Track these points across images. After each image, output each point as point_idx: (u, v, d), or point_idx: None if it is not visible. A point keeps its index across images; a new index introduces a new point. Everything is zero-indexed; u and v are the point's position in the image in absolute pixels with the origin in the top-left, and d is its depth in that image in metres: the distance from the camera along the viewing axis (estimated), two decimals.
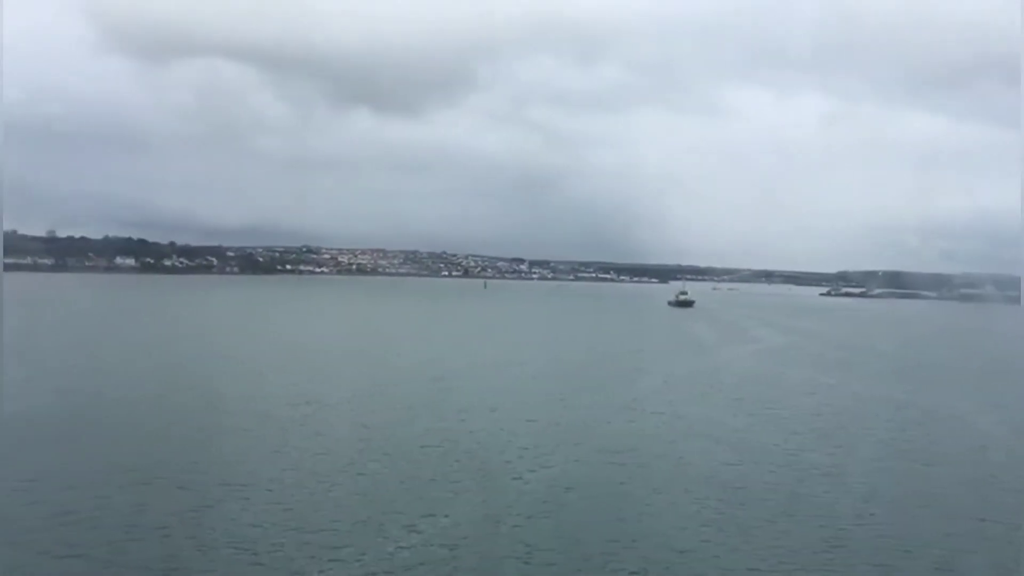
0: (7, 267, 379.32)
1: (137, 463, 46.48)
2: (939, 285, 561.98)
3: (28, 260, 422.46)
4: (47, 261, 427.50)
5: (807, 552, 36.36)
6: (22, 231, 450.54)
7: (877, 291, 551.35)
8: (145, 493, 41.29)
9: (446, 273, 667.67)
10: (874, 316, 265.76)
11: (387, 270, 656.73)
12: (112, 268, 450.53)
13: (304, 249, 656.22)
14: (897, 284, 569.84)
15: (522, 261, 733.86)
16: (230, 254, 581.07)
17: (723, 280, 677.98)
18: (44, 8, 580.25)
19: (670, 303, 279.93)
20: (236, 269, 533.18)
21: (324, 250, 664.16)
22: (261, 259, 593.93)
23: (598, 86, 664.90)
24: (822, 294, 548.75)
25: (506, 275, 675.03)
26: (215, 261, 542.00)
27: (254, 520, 38.03)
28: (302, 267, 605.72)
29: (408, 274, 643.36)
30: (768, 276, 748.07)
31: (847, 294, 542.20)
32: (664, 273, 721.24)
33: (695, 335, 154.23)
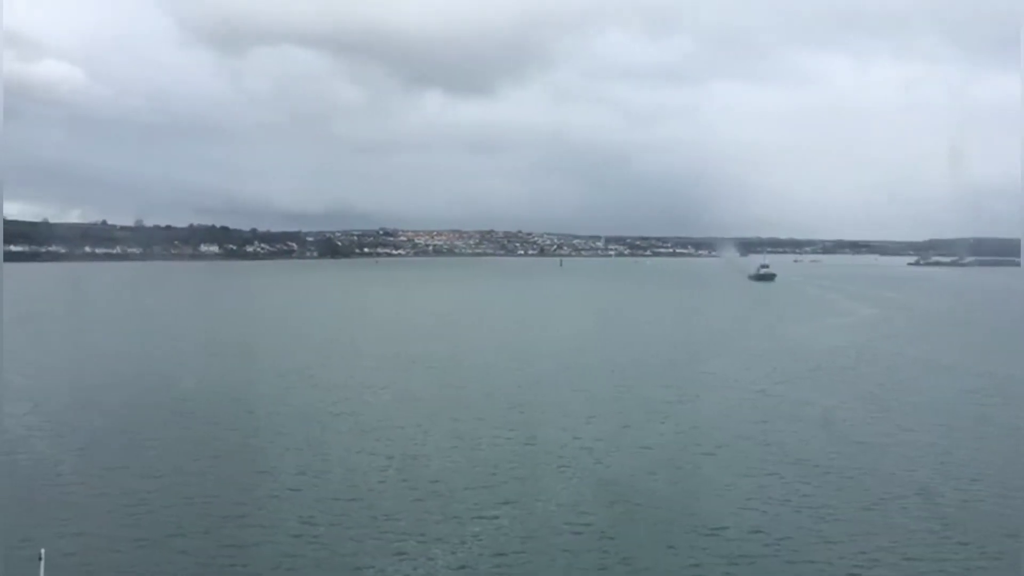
0: (97, 256, 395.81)
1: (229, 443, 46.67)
2: None
3: (117, 249, 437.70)
4: (135, 250, 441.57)
5: (910, 542, 34.01)
6: (111, 221, 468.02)
7: (969, 259, 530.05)
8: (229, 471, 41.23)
9: (522, 252, 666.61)
10: (966, 285, 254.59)
11: (463, 251, 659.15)
12: (197, 255, 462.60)
13: (381, 232, 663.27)
14: (989, 251, 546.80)
15: (598, 238, 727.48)
16: (309, 239, 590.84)
17: (805, 252, 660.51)
18: (122, 5, 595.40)
19: (750, 277, 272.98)
20: (315, 253, 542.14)
21: (401, 232, 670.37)
22: (339, 243, 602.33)
23: (671, 58, 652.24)
24: (910, 264, 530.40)
25: (582, 252, 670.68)
26: (295, 246, 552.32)
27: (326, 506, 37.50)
28: (380, 250, 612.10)
29: (484, 254, 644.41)
30: (852, 246, 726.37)
31: (936, 263, 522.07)
32: (743, 246, 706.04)
33: (779, 309, 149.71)
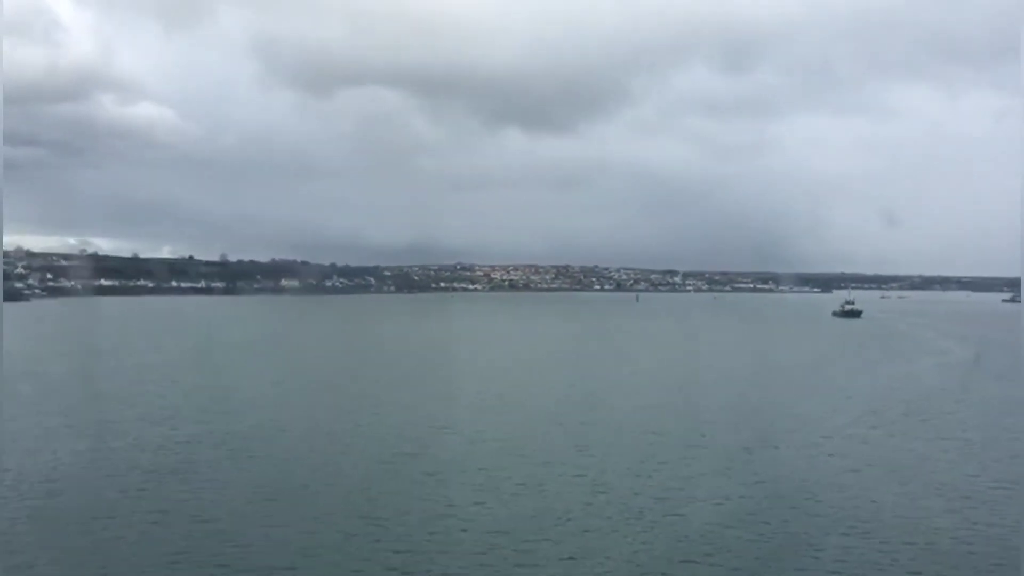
0: (183, 290, 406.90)
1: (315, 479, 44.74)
2: None
3: (202, 284, 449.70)
4: (219, 284, 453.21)
5: None
6: (198, 256, 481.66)
7: None
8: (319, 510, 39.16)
9: (598, 287, 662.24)
10: None
11: (539, 285, 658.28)
12: (278, 289, 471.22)
13: (458, 267, 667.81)
14: None
15: (675, 272, 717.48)
16: (387, 273, 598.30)
17: (891, 288, 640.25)
18: (211, 48, 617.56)
19: (835, 313, 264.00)
20: (392, 288, 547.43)
21: (477, 267, 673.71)
22: (416, 277, 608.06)
23: (754, 91, 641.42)
24: (1004, 300, 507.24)
25: (659, 287, 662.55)
26: (372, 280, 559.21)
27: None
28: (456, 284, 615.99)
29: (560, 288, 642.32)
30: (942, 282, 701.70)
31: None
32: (827, 282, 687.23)
33: (867, 348, 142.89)
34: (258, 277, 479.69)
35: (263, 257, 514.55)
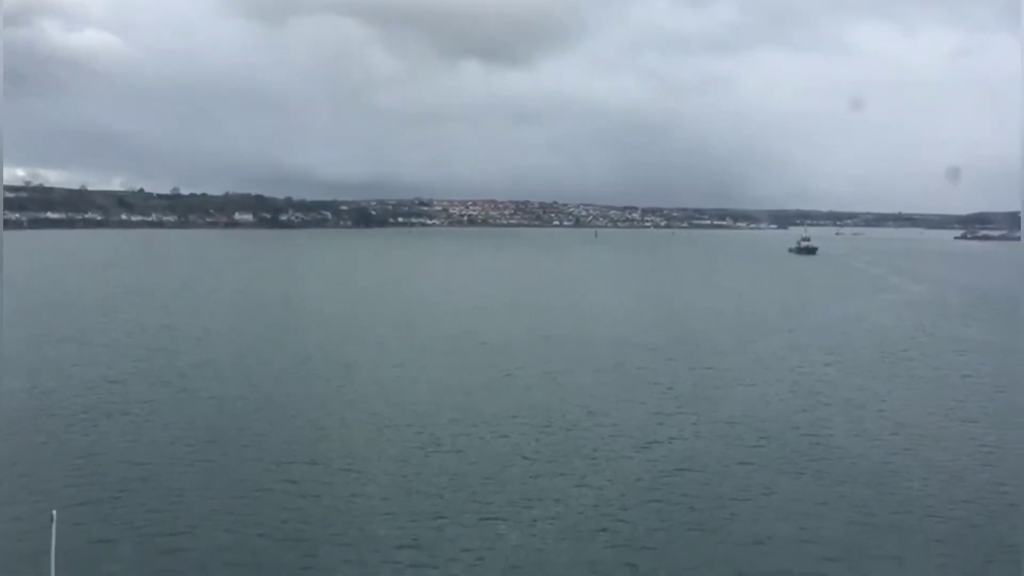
0: (133, 224, 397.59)
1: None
2: None
3: (153, 217, 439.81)
4: (171, 218, 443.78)
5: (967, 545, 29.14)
6: (148, 189, 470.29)
7: (1019, 233, 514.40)
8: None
9: (557, 223, 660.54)
10: (1019, 261, 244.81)
11: (498, 221, 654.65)
12: (231, 223, 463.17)
13: (416, 202, 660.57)
14: None
15: (634, 209, 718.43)
16: (344, 208, 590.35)
17: (846, 224, 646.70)
18: None
19: (791, 250, 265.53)
20: (349, 222, 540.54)
21: (435, 202, 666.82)
22: (374, 212, 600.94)
23: (712, 27, 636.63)
24: (957, 237, 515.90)
25: (618, 223, 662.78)
26: (329, 215, 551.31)
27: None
28: (414, 220, 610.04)
29: (519, 224, 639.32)
30: (896, 219, 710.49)
31: (985, 237, 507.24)
32: (783, 219, 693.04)
33: (823, 285, 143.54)
34: (211, 211, 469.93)
35: (216, 191, 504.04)
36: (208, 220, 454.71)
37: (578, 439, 43.06)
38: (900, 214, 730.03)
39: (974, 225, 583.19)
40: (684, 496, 34.94)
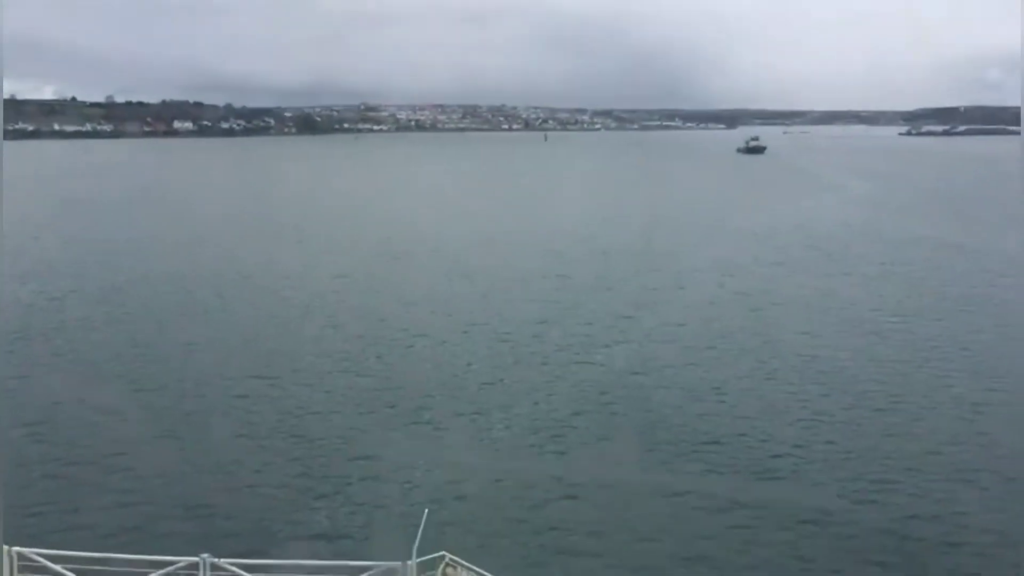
0: (67, 134, 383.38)
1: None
2: None
3: (87, 127, 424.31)
4: (105, 127, 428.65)
5: (910, 447, 29.43)
6: (81, 97, 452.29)
7: (961, 128, 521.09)
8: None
9: (506, 127, 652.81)
10: (961, 156, 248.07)
11: (446, 125, 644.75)
12: (170, 132, 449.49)
13: (362, 107, 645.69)
14: (982, 120, 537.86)
15: (584, 111, 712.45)
16: (287, 115, 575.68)
17: (794, 123, 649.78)
18: None
19: (739, 150, 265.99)
20: (293, 130, 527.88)
21: (383, 107, 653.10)
22: (319, 119, 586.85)
23: None
24: (901, 134, 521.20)
25: (568, 126, 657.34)
26: (272, 122, 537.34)
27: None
28: (360, 125, 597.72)
29: (468, 128, 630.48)
30: (842, 117, 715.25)
31: (929, 133, 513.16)
32: (732, 118, 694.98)
33: (770, 185, 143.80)
34: (148, 120, 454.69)
35: (153, 98, 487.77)
36: (145, 130, 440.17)
37: (528, 347, 42.53)
38: (847, 111, 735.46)
39: (917, 121, 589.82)
40: (636, 399, 34.68)
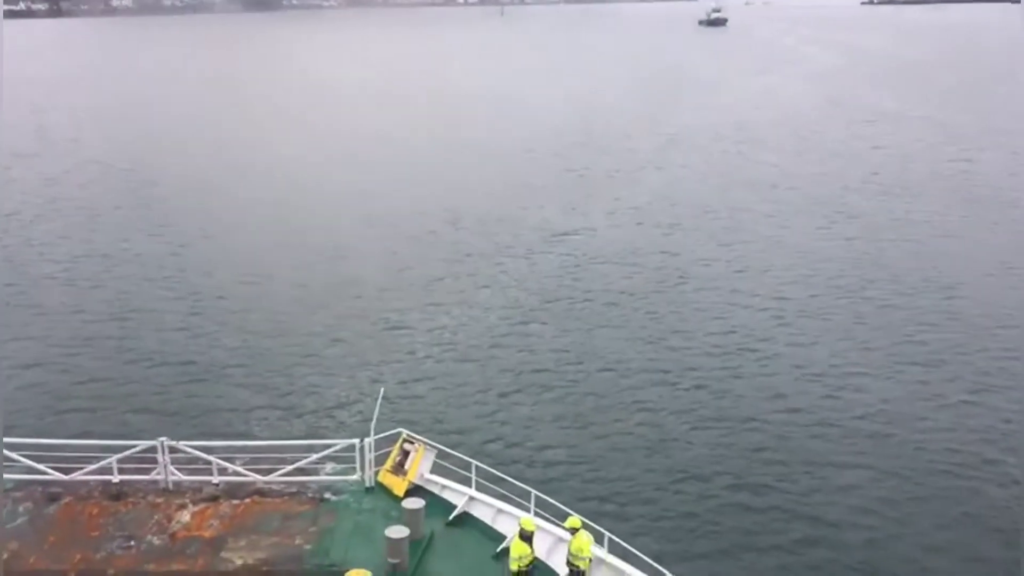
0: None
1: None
2: None
3: (21, 6, 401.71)
4: (41, 6, 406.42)
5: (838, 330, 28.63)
6: None
7: None
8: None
9: (461, 1, 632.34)
10: (922, 26, 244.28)
11: (399, 1, 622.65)
12: (109, 11, 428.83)
13: None
14: None
15: None
16: None
17: None
18: None
19: (701, 23, 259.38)
20: (239, 6, 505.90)
21: None
22: None
23: None
24: (863, 3, 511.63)
25: (526, 1, 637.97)
26: (215, 0, 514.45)
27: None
28: (308, 1, 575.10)
29: (422, 4, 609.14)
30: None
31: (889, 2, 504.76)
32: None
33: (735, 58, 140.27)
34: None
35: None
36: (83, 7, 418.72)
37: (488, 232, 40.84)
38: None
39: None
40: (592, 290, 33.32)
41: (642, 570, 12.79)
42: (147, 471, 15.59)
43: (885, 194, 47.16)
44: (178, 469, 15.69)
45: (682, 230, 40.95)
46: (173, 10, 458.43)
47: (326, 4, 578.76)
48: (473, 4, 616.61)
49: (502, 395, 25.10)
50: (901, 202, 45.36)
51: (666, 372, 26.28)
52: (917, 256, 36.62)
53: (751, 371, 26.11)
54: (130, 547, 14.07)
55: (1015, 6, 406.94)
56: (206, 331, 30.23)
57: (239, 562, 13.74)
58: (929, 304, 31.10)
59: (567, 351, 28.04)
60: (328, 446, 15.90)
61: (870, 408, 23.56)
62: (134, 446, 15.44)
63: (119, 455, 15.32)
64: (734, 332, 29.03)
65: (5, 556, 13.54)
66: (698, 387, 25.24)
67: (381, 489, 15.85)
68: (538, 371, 26.67)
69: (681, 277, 34.55)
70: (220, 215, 45.34)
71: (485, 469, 15.63)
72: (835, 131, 67.11)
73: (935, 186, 48.82)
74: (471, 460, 15.68)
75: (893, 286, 32.97)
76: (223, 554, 13.92)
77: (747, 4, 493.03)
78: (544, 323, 30.50)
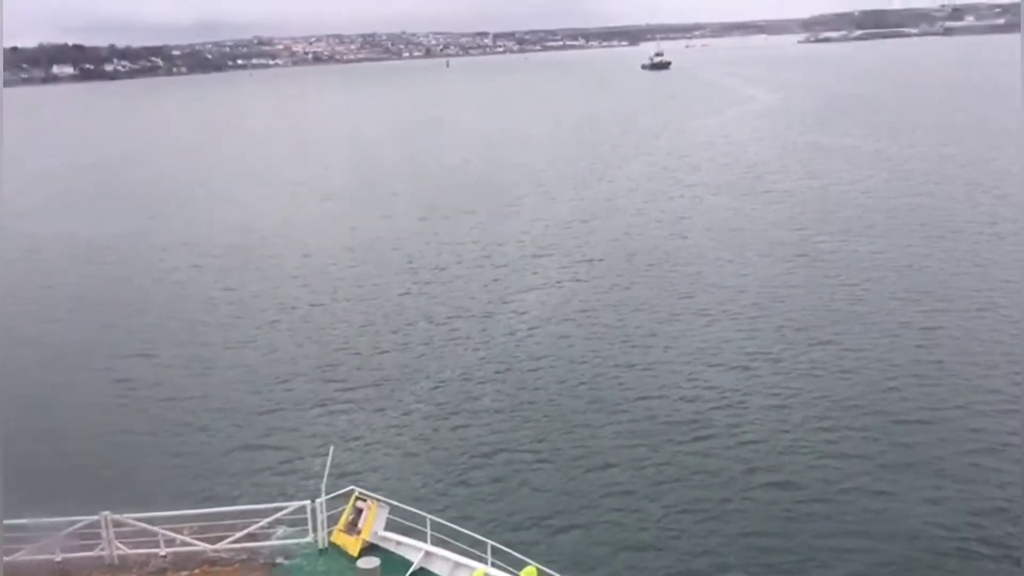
0: None
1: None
2: (919, 21, 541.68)
3: None
4: None
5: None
6: None
7: (857, 33, 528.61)
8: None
9: (407, 55, 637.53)
10: (859, 62, 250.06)
11: (345, 56, 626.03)
12: (49, 79, 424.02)
13: (255, 41, 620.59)
14: (874, 24, 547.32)
15: (486, 35, 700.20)
16: (176, 53, 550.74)
17: (695, 36, 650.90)
18: None
19: (644, 66, 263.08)
20: (184, 69, 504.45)
21: (277, 40, 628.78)
22: (210, 56, 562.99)
23: None
24: (800, 42, 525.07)
25: (470, 51, 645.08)
26: (160, 62, 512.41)
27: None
28: (255, 61, 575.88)
29: (367, 59, 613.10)
30: (741, 28, 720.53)
31: (826, 39, 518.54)
32: (634, 35, 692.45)
33: (680, 100, 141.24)
34: (24, 66, 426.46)
35: (28, 43, 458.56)
36: (22, 77, 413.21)
37: (439, 292, 38.93)
38: (745, 22, 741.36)
39: (814, 27, 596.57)
40: (543, 345, 31.47)
41: None
42: (91, 547, 15.14)
43: (846, 232, 46.12)
44: (123, 543, 15.24)
45: (641, 282, 39.29)
46: (116, 75, 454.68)
47: (272, 63, 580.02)
48: (419, 57, 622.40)
49: (453, 446, 24.69)
50: (865, 240, 44.31)
51: (625, 424, 25.15)
52: (881, 295, 35.30)
53: (718, 426, 24.60)
54: None
55: (943, 38, 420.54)
56: (142, 397, 29.30)
57: None
58: (906, 342, 29.65)
59: (521, 404, 27.07)
60: (278, 509, 15.56)
61: (839, 469, 21.80)
62: (77, 522, 14.98)
63: (61, 532, 14.92)
64: (701, 387, 27.27)
65: None
66: (660, 441, 24.09)
67: (335, 550, 15.50)
68: (488, 421, 26.11)
69: (644, 334, 32.71)
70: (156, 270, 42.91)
71: (440, 523, 15.24)
72: (785, 170, 66.50)
73: (896, 222, 47.90)
74: (425, 515, 15.35)
75: (861, 329, 31.52)
76: None
77: (687, 47, 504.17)
78: (497, 375, 29.35)
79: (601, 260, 43.30)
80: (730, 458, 22.98)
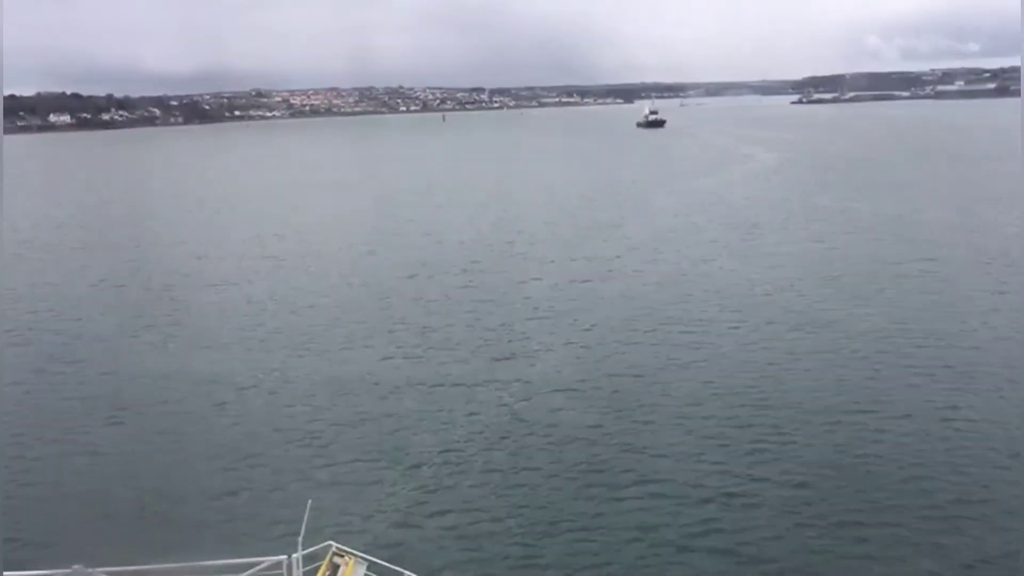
0: None
1: None
2: (909, 84, 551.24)
3: None
4: None
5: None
6: None
7: (850, 95, 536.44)
8: None
9: (404, 108, 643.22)
10: (852, 122, 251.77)
11: (342, 109, 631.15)
12: (46, 127, 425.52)
13: (253, 93, 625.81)
14: (867, 86, 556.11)
15: (482, 90, 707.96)
16: (174, 104, 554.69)
17: (689, 95, 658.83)
18: None
19: (639, 124, 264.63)
20: (181, 119, 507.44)
21: (275, 93, 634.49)
22: (208, 107, 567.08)
23: None
24: (793, 102, 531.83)
25: (466, 106, 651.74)
26: (158, 112, 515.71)
27: None
28: (252, 112, 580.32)
29: (364, 112, 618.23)
30: (734, 88, 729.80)
31: (819, 101, 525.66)
32: (629, 92, 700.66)
33: (677, 159, 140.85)
34: (21, 114, 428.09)
35: (26, 91, 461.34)
36: (19, 124, 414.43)
37: (421, 342, 36.87)
38: (738, 82, 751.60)
39: (806, 89, 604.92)
40: (535, 410, 29.38)
41: None
42: None
43: (855, 298, 44.38)
44: None
45: (642, 348, 37.35)
46: (113, 125, 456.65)
47: (269, 115, 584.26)
48: (415, 111, 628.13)
49: (432, 498, 24.27)
50: (873, 306, 42.52)
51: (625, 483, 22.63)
52: (896, 368, 33.37)
53: (711, 487, 22.19)
54: None
55: (934, 101, 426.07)
56: (111, 446, 28.61)
57: None
58: (928, 426, 27.61)
59: (506, 456, 26.12)
60: (252, 564, 14.90)
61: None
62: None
63: None
64: (705, 471, 25.13)
65: None
66: (654, 526, 21.47)
67: None
68: (467, 472, 25.56)
69: (642, 406, 30.67)
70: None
71: None
72: (785, 231, 65.12)
73: (902, 287, 46.27)
74: (403, 570, 15.07)
75: (879, 408, 29.50)
76: None
77: (682, 105, 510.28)
78: (483, 429, 28.03)
79: (600, 327, 41.38)
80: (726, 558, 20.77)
